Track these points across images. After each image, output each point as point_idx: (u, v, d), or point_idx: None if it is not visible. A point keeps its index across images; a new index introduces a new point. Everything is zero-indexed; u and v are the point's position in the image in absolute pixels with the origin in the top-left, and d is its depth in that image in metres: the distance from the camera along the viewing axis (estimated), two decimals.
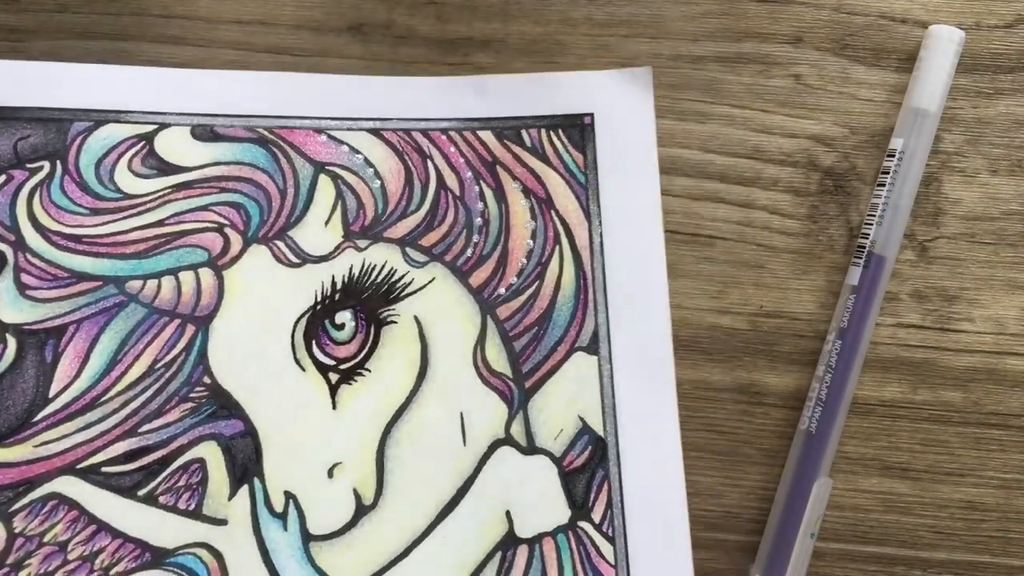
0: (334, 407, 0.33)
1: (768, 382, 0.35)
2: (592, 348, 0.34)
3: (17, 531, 0.30)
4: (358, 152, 0.36)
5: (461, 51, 0.38)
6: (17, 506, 0.31)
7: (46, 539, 0.30)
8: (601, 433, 0.34)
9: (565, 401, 0.34)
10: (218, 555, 0.31)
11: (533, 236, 0.36)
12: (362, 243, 0.35)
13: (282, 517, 0.32)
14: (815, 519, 0.33)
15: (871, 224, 0.36)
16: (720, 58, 0.38)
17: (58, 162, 0.34)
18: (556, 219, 0.36)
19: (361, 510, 0.32)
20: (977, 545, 0.34)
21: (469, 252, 0.35)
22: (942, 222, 0.37)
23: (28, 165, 0.34)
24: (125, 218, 0.34)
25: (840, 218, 0.37)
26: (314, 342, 0.33)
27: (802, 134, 0.37)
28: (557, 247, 0.35)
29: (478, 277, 0.35)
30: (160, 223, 0.34)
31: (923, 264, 0.36)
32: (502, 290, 0.35)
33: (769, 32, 0.38)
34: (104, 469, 0.31)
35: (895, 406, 0.35)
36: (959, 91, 0.38)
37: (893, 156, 0.36)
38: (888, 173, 0.36)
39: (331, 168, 0.35)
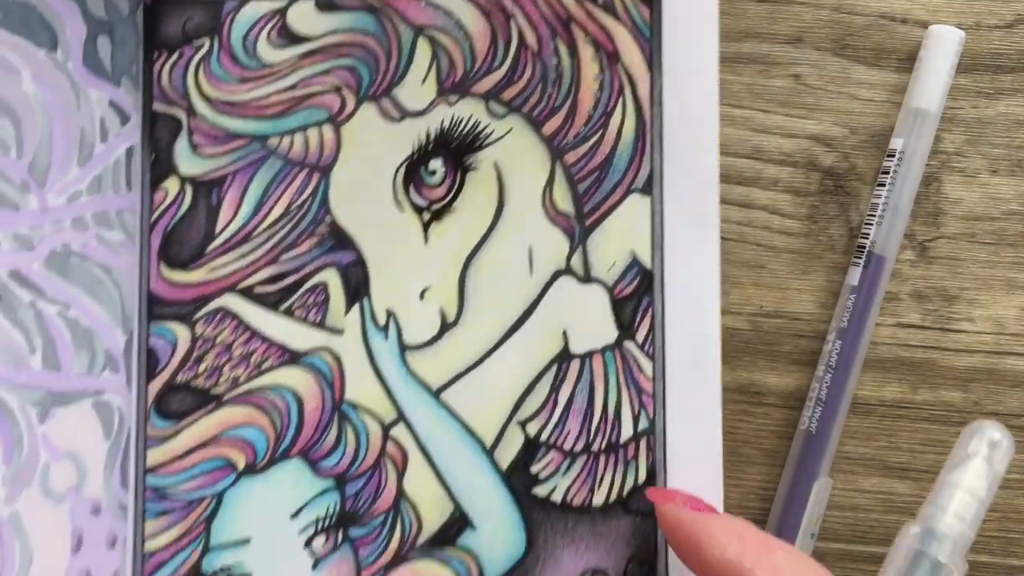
0: (426, 241, 0.40)
1: (768, 382, 0.37)
2: (646, 190, 0.38)
3: (198, 335, 0.40)
4: (451, 15, 0.40)
5: None
6: (197, 316, 0.40)
7: (217, 341, 0.40)
8: (649, 266, 0.38)
9: (619, 237, 0.38)
10: (337, 357, 0.40)
11: (600, 88, 0.39)
12: (452, 98, 0.40)
13: (384, 330, 0.40)
14: (815, 519, 0.34)
15: (871, 224, 0.35)
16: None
17: (215, 38, 0.42)
18: (622, 72, 0.39)
19: (445, 326, 0.39)
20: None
21: (543, 104, 0.39)
22: (942, 222, 0.36)
23: (194, 42, 0.42)
24: (265, 84, 0.41)
25: (840, 218, 0.37)
26: (411, 186, 0.40)
27: (802, 134, 0.37)
28: (621, 98, 0.39)
29: (550, 126, 0.39)
30: (292, 88, 0.41)
31: (923, 264, 0.36)
32: (570, 138, 0.39)
33: (769, 32, 0.38)
34: (256, 289, 0.40)
35: (895, 406, 0.36)
36: (959, 91, 0.37)
37: (893, 156, 0.35)
38: (888, 173, 0.35)
39: (428, 31, 0.40)
